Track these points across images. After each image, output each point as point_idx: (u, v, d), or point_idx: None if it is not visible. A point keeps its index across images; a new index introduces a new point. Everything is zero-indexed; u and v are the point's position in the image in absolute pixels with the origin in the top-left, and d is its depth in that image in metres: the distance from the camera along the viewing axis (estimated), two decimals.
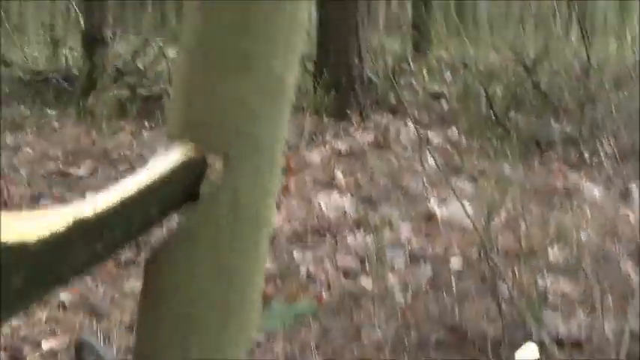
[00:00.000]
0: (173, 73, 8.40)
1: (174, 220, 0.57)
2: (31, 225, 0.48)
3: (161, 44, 9.29)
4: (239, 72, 0.53)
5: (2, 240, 0.46)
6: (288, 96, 0.57)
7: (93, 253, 0.51)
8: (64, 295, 3.70)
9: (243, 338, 0.58)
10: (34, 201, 4.98)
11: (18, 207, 4.79)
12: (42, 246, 0.47)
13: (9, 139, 6.90)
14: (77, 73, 9.10)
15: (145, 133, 6.92)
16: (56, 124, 7.59)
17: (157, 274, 0.54)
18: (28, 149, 6.47)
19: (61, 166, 5.94)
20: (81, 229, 0.50)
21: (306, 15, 0.56)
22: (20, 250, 0.46)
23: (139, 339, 0.56)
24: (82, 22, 8.93)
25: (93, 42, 8.10)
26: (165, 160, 0.55)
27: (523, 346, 3.22)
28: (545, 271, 3.89)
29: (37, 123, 7.60)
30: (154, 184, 0.54)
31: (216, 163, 0.55)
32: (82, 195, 5.15)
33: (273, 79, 0.55)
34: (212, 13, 0.54)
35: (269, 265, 4.08)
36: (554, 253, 4.16)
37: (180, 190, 0.55)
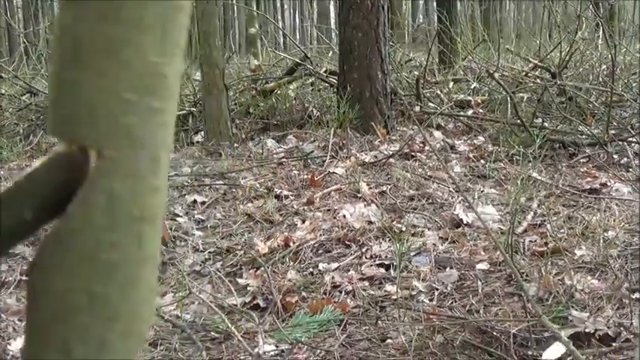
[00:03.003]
0: (198, 93, 8.49)
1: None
2: None
3: (185, 66, 9.37)
4: (110, 62, 0.51)
5: None
6: (172, 92, 0.55)
7: None
8: None
9: (131, 334, 0.56)
10: None
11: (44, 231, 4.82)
12: None
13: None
14: None
15: (171, 155, 6.96)
16: None
17: (38, 278, 0.54)
18: None
19: None
20: None
21: (189, 4, 0.54)
22: None
23: (25, 346, 0.56)
24: None
25: None
26: (40, 161, 0.54)
27: (551, 346, 3.20)
28: (571, 270, 3.84)
29: None
30: (19, 184, 0.52)
31: (89, 162, 0.54)
32: None
33: (150, 71, 0.53)
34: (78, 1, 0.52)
35: (295, 276, 4.08)
36: (582, 252, 4.12)
37: (54, 191, 0.54)
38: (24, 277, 4.19)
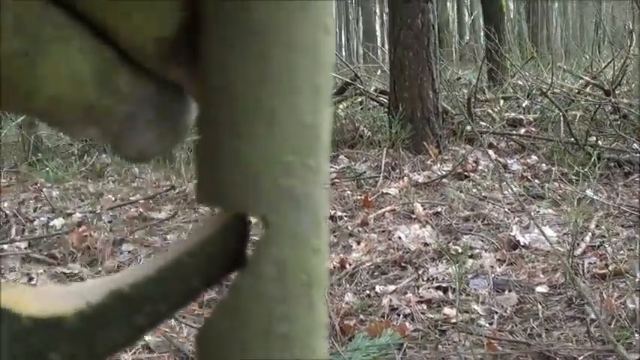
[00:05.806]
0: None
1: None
2: (66, 298, 0.48)
3: None
4: (267, 129, 0.51)
5: (37, 315, 0.44)
6: (325, 148, 0.54)
7: (134, 327, 0.50)
8: (149, 337, 3.74)
9: None
10: (116, 245, 5.08)
11: (101, 252, 4.88)
12: (79, 320, 0.46)
13: (91, 186, 7.06)
14: None
15: None
16: (136, 170, 7.74)
17: (207, 349, 0.53)
18: (110, 196, 6.60)
19: (141, 210, 6.02)
20: (119, 301, 0.49)
21: (331, 49, 0.53)
22: (57, 324, 0.45)
23: None
24: None
25: None
26: (203, 229, 0.53)
27: None
28: (634, 292, 3.78)
29: (118, 170, 7.77)
30: (191, 253, 0.52)
31: (249, 228, 0.53)
32: (163, 238, 5.23)
33: (304, 130, 0.52)
34: (232, 68, 0.52)
35: (352, 299, 4.07)
36: None
37: (221, 260, 0.53)
38: None
